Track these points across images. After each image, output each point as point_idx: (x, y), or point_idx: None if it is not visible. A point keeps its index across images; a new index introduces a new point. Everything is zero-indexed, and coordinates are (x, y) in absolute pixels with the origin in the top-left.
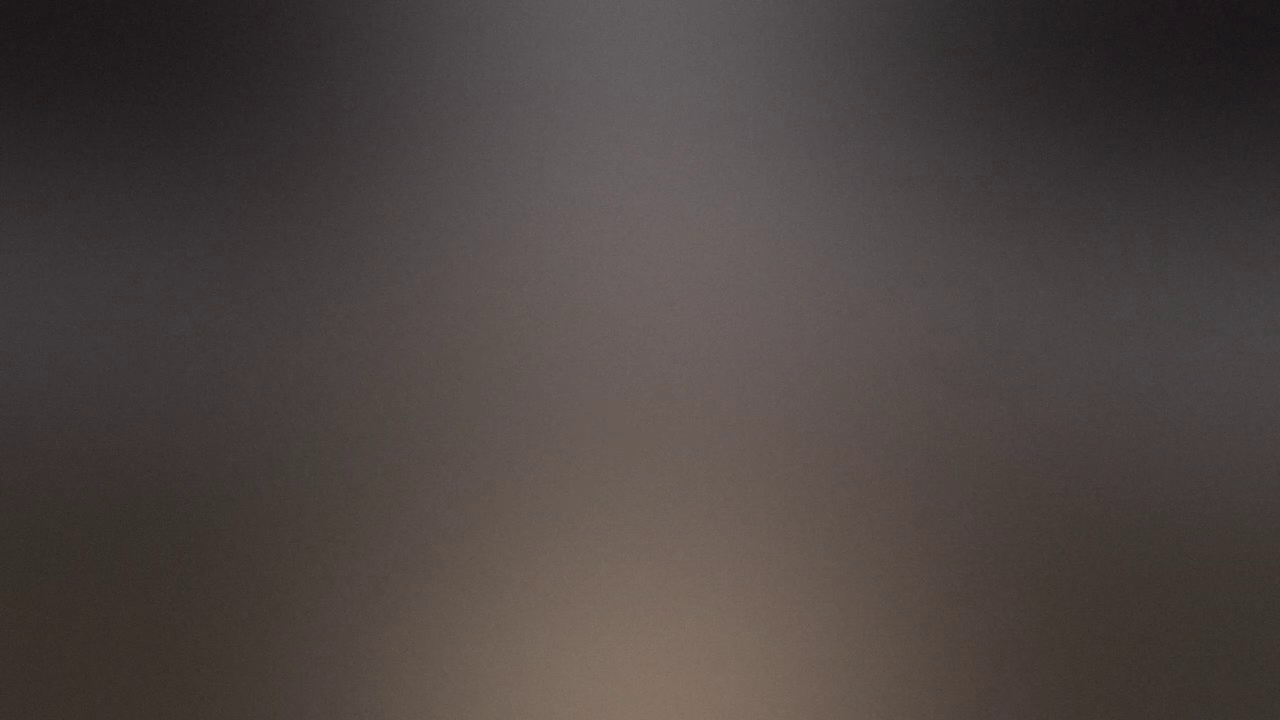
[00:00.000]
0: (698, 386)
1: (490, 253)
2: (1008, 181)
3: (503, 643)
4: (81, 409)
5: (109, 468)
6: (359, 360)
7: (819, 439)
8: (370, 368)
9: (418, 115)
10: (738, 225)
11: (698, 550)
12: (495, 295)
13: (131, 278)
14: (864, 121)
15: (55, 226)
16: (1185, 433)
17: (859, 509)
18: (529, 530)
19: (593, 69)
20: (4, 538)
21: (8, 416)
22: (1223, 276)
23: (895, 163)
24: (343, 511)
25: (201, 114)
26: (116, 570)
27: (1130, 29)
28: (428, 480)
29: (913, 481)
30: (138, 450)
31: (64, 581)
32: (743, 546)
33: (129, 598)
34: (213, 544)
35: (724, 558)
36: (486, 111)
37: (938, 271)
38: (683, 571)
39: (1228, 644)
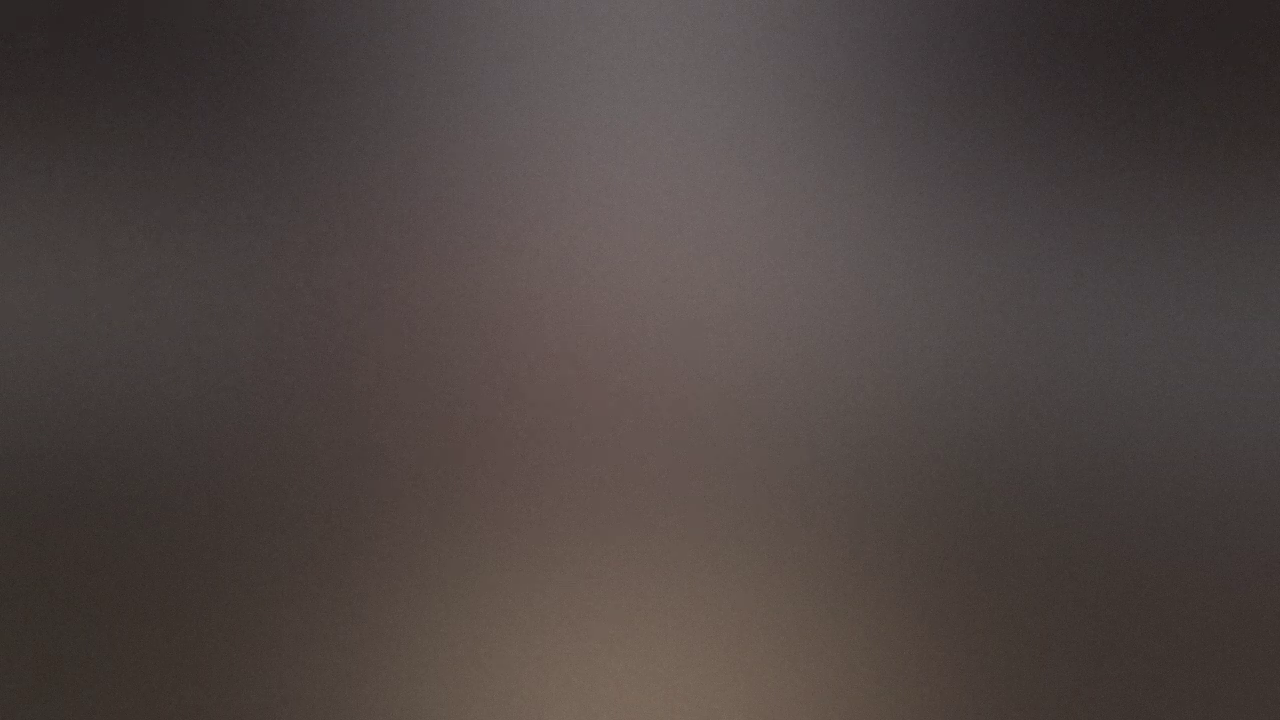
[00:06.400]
0: (700, 391)
1: (495, 255)
2: (1012, 183)
3: (496, 652)
4: (78, 406)
5: (108, 465)
6: (363, 363)
7: (819, 443)
8: (375, 371)
9: (424, 116)
10: (740, 228)
11: (693, 560)
12: (499, 299)
13: (133, 276)
14: (868, 126)
15: (51, 223)
16: (1187, 431)
17: (861, 515)
18: (528, 535)
19: (599, 68)
20: (2, 536)
21: (7, 414)
22: (1226, 274)
23: (899, 164)
24: (339, 515)
25: (208, 113)
26: (111, 569)
27: (1134, 27)
28: (427, 484)
29: (917, 485)
30: (137, 448)
31: (62, 580)
32: (738, 552)
33: (124, 596)
34: (212, 547)
35: (720, 565)
36: (495, 114)
37: (939, 272)
38: (681, 582)
39: (1232, 645)
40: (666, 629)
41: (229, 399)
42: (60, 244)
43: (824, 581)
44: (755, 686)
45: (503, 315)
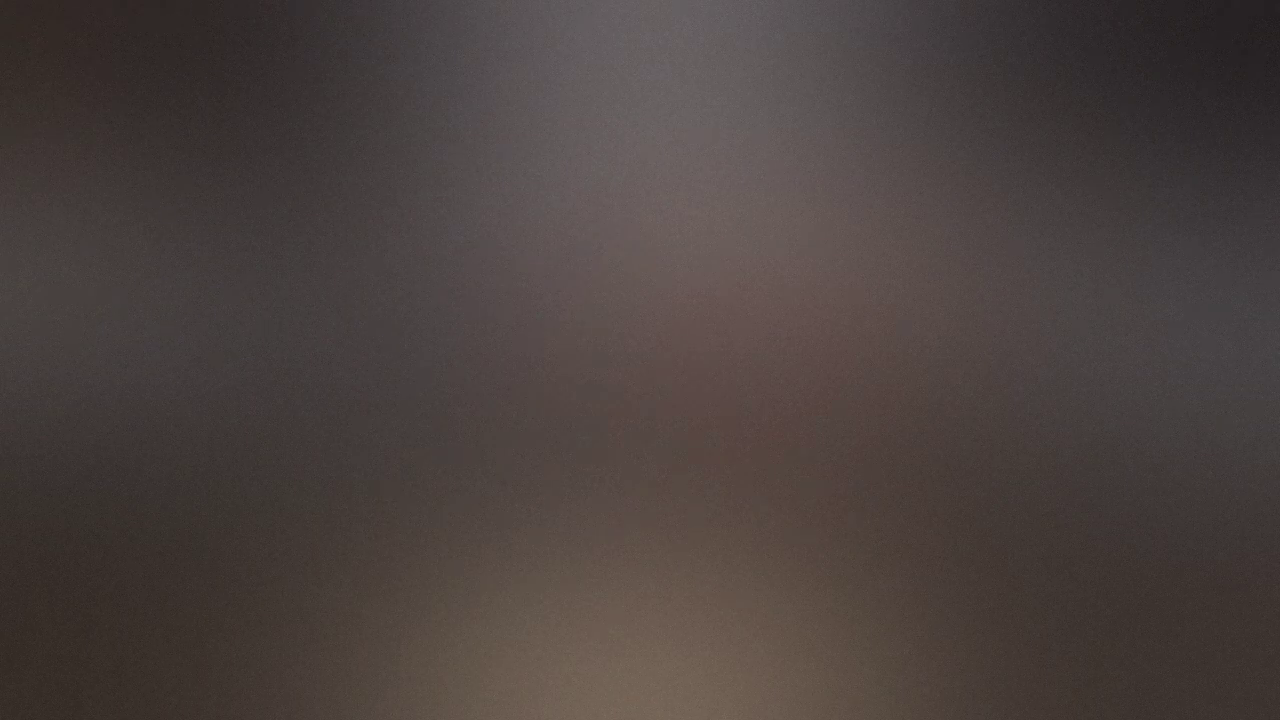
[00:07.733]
0: (698, 391)
1: (495, 254)
2: (1012, 182)
3: (496, 653)
4: (78, 406)
5: (107, 465)
6: (362, 363)
7: (819, 443)
8: (380, 368)
9: (424, 115)
10: (738, 228)
11: (693, 561)
12: (500, 298)
13: (133, 276)
14: (868, 124)
15: (51, 223)
16: (1188, 430)
17: (861, 514)
18: (528, 536)
19: (600, 67)
20: (3, 535)
21: (6, 414)
22: (1226, 274)
23: (899, 163)
24: (338, 515)
25: (208, 113)
26: (110, 569)
27: (1134, 27)
28: (427, 485)
29: (917, 484)
30: (137, 447)
31: (60, 579)
32: (738, 552)
33: (123, 596)
34: (210, 547)
35: (720, 565)
36: (495, 114)
37: (939, 270)
38: (682, 583)
39: (1232, 645)
40: (667, 629)
41: (229, 398)
42: (60, 244)
43: (825, 581)
44: (756, 687)
45: (504, 315)
